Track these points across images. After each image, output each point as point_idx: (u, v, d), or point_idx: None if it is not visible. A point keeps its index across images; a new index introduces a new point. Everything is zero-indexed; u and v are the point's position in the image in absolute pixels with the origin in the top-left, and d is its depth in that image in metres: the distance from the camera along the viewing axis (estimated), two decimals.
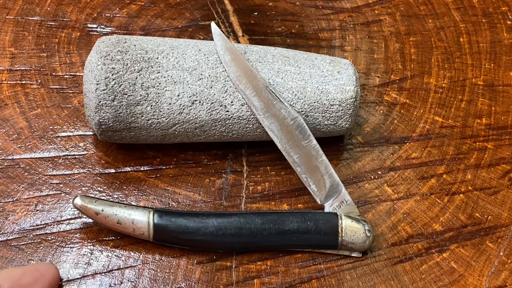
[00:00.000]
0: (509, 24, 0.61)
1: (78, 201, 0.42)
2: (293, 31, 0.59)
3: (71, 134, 0.49)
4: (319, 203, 0.46)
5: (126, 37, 0.46)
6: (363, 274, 0.44)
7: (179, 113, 0.45)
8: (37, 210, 0.45)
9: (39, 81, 0.52)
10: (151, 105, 0.45)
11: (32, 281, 0.39)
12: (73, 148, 0.48)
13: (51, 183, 0.46)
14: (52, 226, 0.44)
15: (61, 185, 0.46)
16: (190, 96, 0.45)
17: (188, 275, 0.43)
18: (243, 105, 0.46)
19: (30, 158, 0.47)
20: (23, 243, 0.43)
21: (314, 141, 0.45)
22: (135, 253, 0.44)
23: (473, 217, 0.48)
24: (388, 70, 0.57)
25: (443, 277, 0.44)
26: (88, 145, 0.49)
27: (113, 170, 0.48)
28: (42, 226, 0.44)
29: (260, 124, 0.46)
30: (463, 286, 0.44)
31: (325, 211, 0.45)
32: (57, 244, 0.43)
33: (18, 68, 0.52)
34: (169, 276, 0.43)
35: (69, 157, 0.48)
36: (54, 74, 0.52)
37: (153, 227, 0.42)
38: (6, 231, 0.44)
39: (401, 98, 0.55)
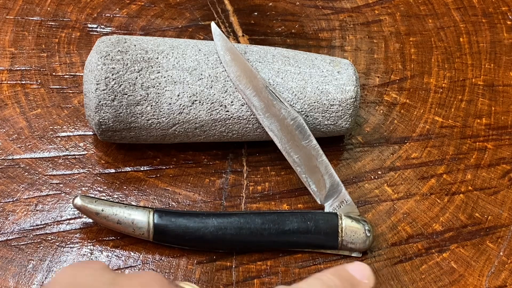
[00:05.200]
0: (509, 24, 0.61)
1: (78, 201, 0.42)
2: (293, 31, 0.59)
3: (71, 134, 0.49)
4: (319, 203, 0.46)
5: (126, 37, 0.46)
6: None
7: (179, 113, 0.45)
8: (37, 210, 0.45)
9: (39, 81, 0.52)
10: (151, 105, 0.45)
11: None
12: (73, 148, 0.48)
13: (51, 183, 0.46)
14: (52, 226, 0.44)
15: (61, 185, 0.46)
16: (190, 96, 0.45)
17: (188, 275, 0.43)
18: (243, 105, 0.46)
19: (30, 158, 0.47)
20: (23, 243, 0.43)
21: (314, 141, 0.45)
22: (135, 253, 0.44)
23: (473, 217, 0.48)
24: (388, 70, 0.57)
25: (443, 277, 0.44)
26: (88, 145, 0.49)
27: (113, 170, 0.48)
28: (42, 226, 0.44)
29: (260, 124, 0.46)
30: (463, 286, 0.44)
31: (325, 211, 0.45)
32: (57, 244, 0.43)
33: (18, 68, 0.52)
34: (169, 276, 0.43)
35: (69, 157, 0.48)
36: (54, 74, 0.52)
37: (153, 227, 0.42)
38: (6, 231, 0.44)
39: (401, 98, 0.55)
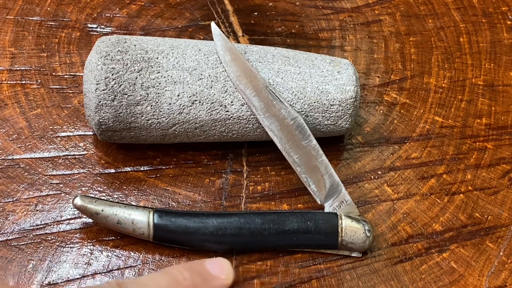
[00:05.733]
0: (509, 24, 0.61)
1: (78, 201, 0.42)
2: (293, 31, 0.59)
3: (71, 134, 0.49)
4: (319, 203, 0.46)
5: (126, 37, 0.46)
6: (363, 274, 0.44)
7: (179, 113, 0.45)
8: (37, 210, 0.45)
9: (39, 81, 0.52)
10: (151, 105, 0.45)
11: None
12: (73, 148, 0.48)
13: (51, 183, 0.46)
14: (52, 226, 0.44)
15: (61, 185, 0.46)
16: (190, 96, 0.45)
17: None
18: (243, 105, 0.46)
19: (30, 158, 0.47)
20: (23, 243, 0.43)
21: (314, 141, 0.45)
22: (135, 253, 0.44)
23: (473, 217, 0.48)
24: (388, 70, 0.57)
25: (443, 277, 0.44)
26: (88, 145, 0.49)
27: (113, 170, 0.48)
28: (42, 226, 0.44)
29: (260, 124, 0.46)
30: (463, 286, 0.44)
31: (325, 211, 0.45)
32: (57, 244, 0.43)
33: (18, 68, 0.52)
34: None
35: (69, 157, 0.48)
36: (54, 74, 0.52)
37: (153, 227, 0.42)
38: (6, 231, 0.44)
39: (401, 98, 0.55)
